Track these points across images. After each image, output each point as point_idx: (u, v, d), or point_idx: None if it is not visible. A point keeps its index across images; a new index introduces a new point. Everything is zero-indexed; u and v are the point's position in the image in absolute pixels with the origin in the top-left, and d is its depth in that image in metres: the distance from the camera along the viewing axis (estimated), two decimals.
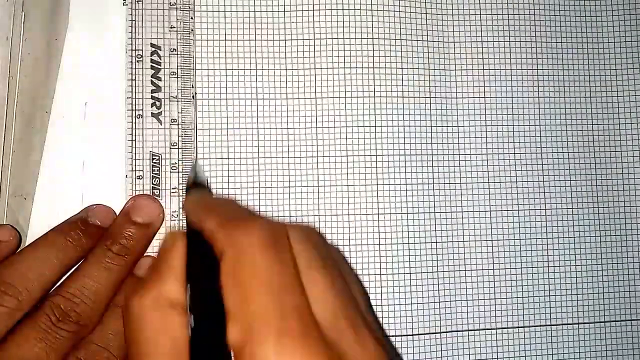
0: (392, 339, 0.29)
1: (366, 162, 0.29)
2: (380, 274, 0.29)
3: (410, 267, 0.29)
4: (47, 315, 0.23)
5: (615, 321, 0.31)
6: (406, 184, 0.29)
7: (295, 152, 0.29)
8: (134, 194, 0.27)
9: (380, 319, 0.29)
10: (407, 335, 0.29)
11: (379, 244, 0.29)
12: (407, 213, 0.29)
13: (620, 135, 0.31)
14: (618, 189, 0.31)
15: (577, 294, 0.30)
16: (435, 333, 0.29)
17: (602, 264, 0.31)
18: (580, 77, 0.31)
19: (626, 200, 0.31)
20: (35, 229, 0.26)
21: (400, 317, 0.29)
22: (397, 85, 0.30)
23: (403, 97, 0.30)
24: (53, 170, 0.27)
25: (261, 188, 0.29)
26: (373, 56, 0.29)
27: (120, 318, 0.25)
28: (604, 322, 0.31)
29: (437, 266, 0.29)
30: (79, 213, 0.26)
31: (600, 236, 0.31)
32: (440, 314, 0.29)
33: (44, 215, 0.27)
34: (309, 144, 0.29)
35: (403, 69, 0.30)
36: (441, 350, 0.29)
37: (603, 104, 0.31)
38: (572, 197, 0.31)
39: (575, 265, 0.31)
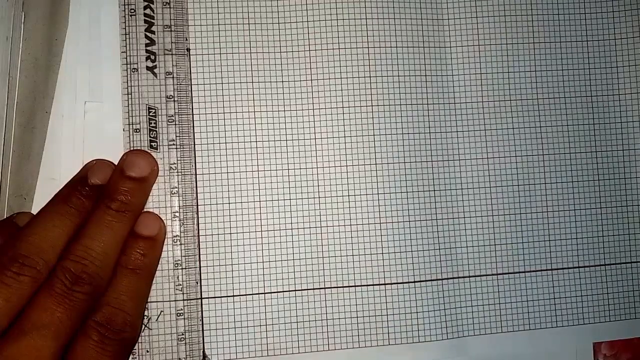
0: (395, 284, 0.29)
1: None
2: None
3: (409, 218, 0.29)
4: (60, 281, 0.23)
5: (615, 264, 0.31)
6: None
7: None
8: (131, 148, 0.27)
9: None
10: (409, 282, 0.29)
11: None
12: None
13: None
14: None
15: (577, 238, 0.31)
16: (437, 279, 0.29)
17: (601, 207, 0.31)
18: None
19: (626, 161, 0.31)
20: None
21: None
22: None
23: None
24: (53, 170, 0.27)
25: (258, 149, 0.29)
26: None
27: (129, 278, 0.25)
28: (604, 265, 0.31)
29: (436, 213, 0.30)
30: (79, 172, 0.26)
31: (599, 180, 0.31)
32: (441, 260, 0.29)
33: None
34: (304, 101, 0.29)
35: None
36: (442, 297, 0.29)
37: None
38: (569, 143, 0.31)
39: (575, 210, 0.31)
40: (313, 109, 0.29)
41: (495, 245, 0.30)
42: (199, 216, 0.28)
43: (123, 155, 0.27)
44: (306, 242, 0.29)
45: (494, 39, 0.31)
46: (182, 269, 0.27)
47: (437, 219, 0.30)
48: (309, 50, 0.29)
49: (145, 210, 0.27)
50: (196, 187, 0.28)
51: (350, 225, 0.29)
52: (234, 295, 0.28)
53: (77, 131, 0.27)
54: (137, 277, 0.25)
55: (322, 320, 0.28)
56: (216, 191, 0.28)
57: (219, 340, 0.28)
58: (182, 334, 0.27)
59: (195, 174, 0.28)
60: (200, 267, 0.28)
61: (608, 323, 0.31)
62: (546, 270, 0.30)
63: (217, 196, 0.28)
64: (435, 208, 0.30)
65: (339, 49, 0.29)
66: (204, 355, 0.27)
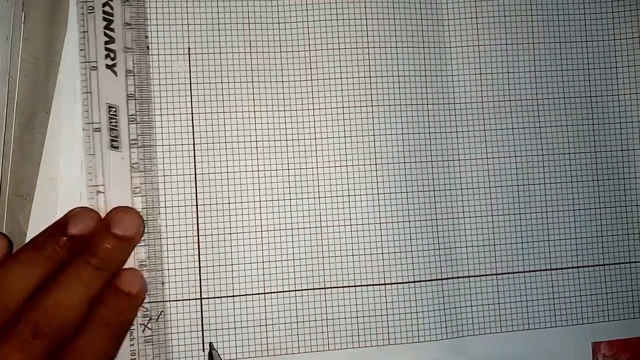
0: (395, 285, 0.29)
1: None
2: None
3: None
4: (21, 331, 0.22)
5: (614, 264, 0.31)
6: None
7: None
8: (93, 152, 0.27)
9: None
10: (408, 282, 0.29)
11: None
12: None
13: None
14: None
15: (576, 238, 0.31)
16: (437, 279, 0.29)
17: (601, 207, 0.31)
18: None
19: (625, 162, 0.31)
20: (35, 229, 0.26)
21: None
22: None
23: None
24: (53, 170, 0.27)
25: (258, 149, 0.29)
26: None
27: (99, 330, 0.24)
28: (603, 265, 0.31)
29: (436, 213, 0.30)
30: (61, 219, 0.26)
31: (598, 180, 0.31)
32: (441, 260, 0.29)
33: (44, 216, 0.26)
34: (305, 96, 0.29)
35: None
36: (442, 297, 0.29)
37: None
38: (569, 143, 0.31)
39: (574, 210, 0.31)
40: (313, 109, 0.29)
41: (495, 245, 0.30)
42: (199, 216, 0.28)
43: (111, 210, 0.26)
44: (306, 242, 0.29)
45: (494, 39, 0.31)
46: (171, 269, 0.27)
47: (437, 219, 0.30)
48: (309, 50, 0.29)
49: (125, 267, 0.26)
50: (196, 187, 0.28)
51: (350, 225, 0.29)
52: (234, 295, 0.28)
53: (75, 130, 0.27)
54: (111, 332, 0.25)
55: (322, 320, 0.28)
56: (215, 191, 0.28)
57: (219, 340, 0.28)
58: (182, 334, 0.27)
59: (195, 174, 0.28)
60: (200, 267, 0.28)
61: (607, 323, 0.31)
62: (545, 270, 0.30)
63: (217, 196, 0.28)
64: (435, 208, 0.30)
65: (339, 49, 0.29)
66: (211, 347, 0.27)
